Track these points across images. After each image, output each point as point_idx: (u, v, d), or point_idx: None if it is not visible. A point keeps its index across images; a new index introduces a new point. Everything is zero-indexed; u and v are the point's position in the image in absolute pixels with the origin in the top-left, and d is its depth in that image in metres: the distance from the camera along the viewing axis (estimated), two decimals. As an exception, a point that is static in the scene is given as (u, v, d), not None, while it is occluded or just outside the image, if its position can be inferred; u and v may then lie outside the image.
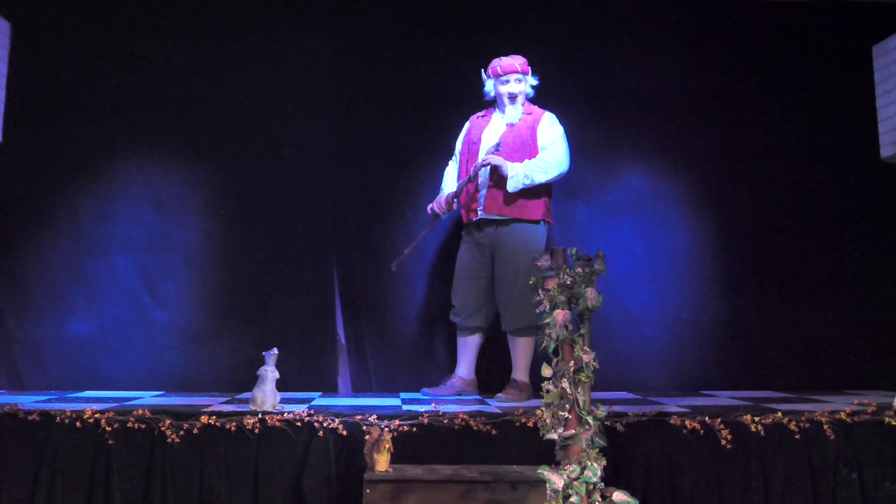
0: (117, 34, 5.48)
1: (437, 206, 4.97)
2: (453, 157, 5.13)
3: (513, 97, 4.92)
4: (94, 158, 5.38)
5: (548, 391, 3.32)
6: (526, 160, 4.78)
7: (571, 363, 3.29)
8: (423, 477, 3.50)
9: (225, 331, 5.27)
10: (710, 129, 5.63)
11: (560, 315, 3.32)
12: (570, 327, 3.32)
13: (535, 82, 4.96)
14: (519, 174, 4.72)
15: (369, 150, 5.48)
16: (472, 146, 4.96)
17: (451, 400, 4.61)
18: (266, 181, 5.41)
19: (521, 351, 4.81)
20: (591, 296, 3.32)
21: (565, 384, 3.28)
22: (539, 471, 3.23)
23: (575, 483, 3.17)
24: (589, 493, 3.17)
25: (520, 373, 4.80)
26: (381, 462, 3.54)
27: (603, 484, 3.22)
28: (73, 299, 5.31)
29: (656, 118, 5.60)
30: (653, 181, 5.59)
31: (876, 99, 5.22)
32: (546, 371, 3.34)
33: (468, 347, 4.96)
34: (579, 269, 3.34)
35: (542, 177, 4.76)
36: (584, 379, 3.29)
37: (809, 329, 5.45)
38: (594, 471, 3.19)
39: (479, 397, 4.80)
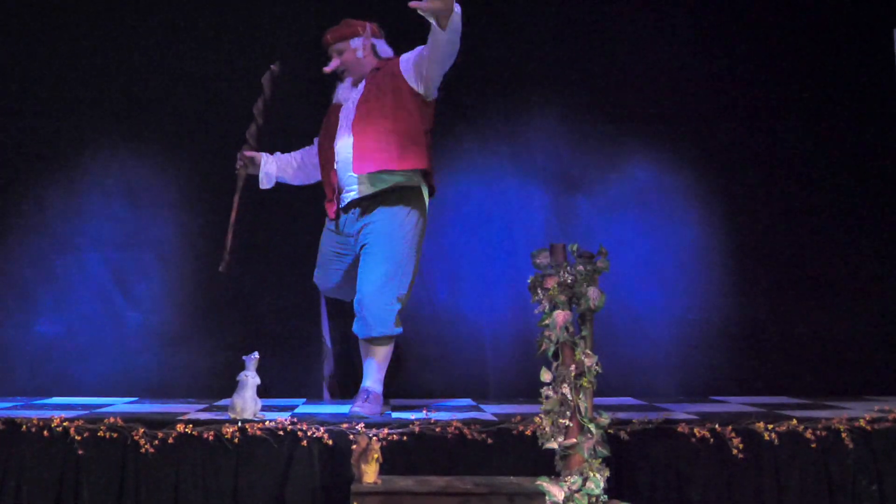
0: (85, 16, 5.47)
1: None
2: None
3: (338, 75, 4.57)
4: (62, 149, 5.38)
5: (547, 397, 3.31)
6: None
7: (572, 367, 3.28)
8: (414, 489, 3.49)
9: (202, 333, 5.26)
10: (721, 117, 5.62)
11: (560, 316, 3.31)
12: (571, 329, 3.31)
13: (367, 39, 4.47)
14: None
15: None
16: (330, 128, 4.58)
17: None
18: (246, 173, 5.39)
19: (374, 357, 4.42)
20: (593, 295, 3.31)
21: (566, 390, 3.27)
22: (538, 482, 3.22)
23: (576, 495, 3.17)
24: (591, 506, 3.17)
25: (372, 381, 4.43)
26: (370, 473, 3.53)
27: (606, 496, 3.22)
28: (41, 299, 5.31)
29: (663, 106, 5.59)
30: (659, 173, 5.59)
31: (897, 85, 5.24)
32: (545, 376, 3.33)
33: None
34: (581, 267, 3.33)
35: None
36: (585, 384, 3.28)
37: (826, 330, 5.46)
38: (597, 482, 3.19)
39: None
